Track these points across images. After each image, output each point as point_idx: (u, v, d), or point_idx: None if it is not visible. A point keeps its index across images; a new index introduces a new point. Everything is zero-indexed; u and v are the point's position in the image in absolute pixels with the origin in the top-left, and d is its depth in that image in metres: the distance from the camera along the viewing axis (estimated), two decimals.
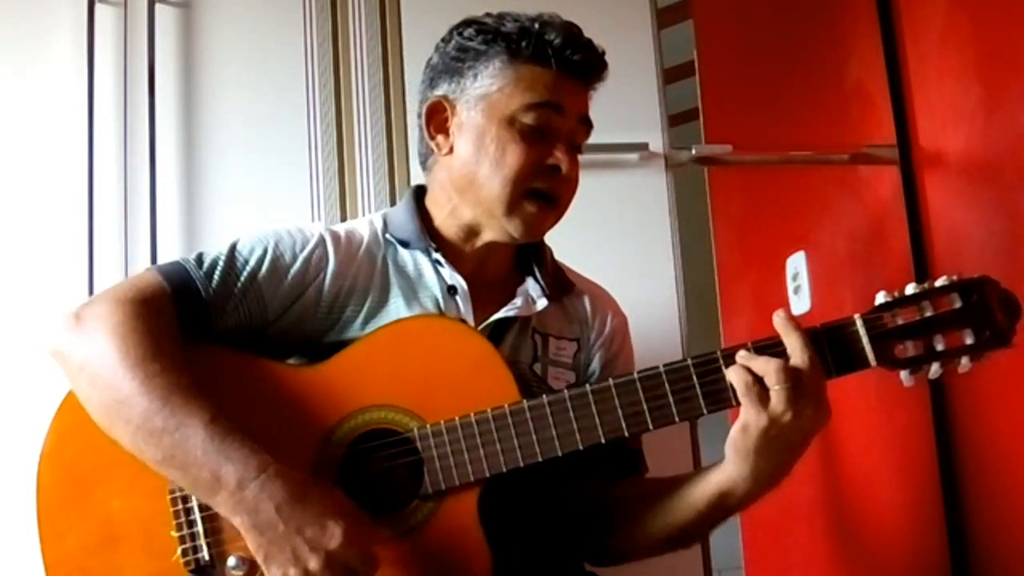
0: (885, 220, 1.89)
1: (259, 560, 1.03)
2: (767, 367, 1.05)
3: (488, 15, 1.28)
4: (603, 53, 1.29)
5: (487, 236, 1.28)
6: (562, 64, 1.24)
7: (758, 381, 1.05)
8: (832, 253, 2.03)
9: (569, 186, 1.27)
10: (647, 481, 1.32)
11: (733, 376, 1.06)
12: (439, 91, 1.29)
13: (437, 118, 1.29)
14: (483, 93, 1.24)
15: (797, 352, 1.06)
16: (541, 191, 1.24)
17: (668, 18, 2.18)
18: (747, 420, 1.06)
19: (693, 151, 1.86)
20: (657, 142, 1.80)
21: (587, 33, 1.27)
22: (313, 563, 1.01)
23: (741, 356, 1.08)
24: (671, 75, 2.06)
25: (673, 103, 1.91)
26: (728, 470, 1.10)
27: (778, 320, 1.08)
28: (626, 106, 1.79)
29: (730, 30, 2.45)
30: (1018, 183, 1.59)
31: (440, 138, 1.29)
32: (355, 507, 1.06)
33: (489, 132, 1.23)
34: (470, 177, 1.25)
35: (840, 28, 2.02)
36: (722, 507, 1.14)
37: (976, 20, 1.69)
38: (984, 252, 1.65)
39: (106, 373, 1.08)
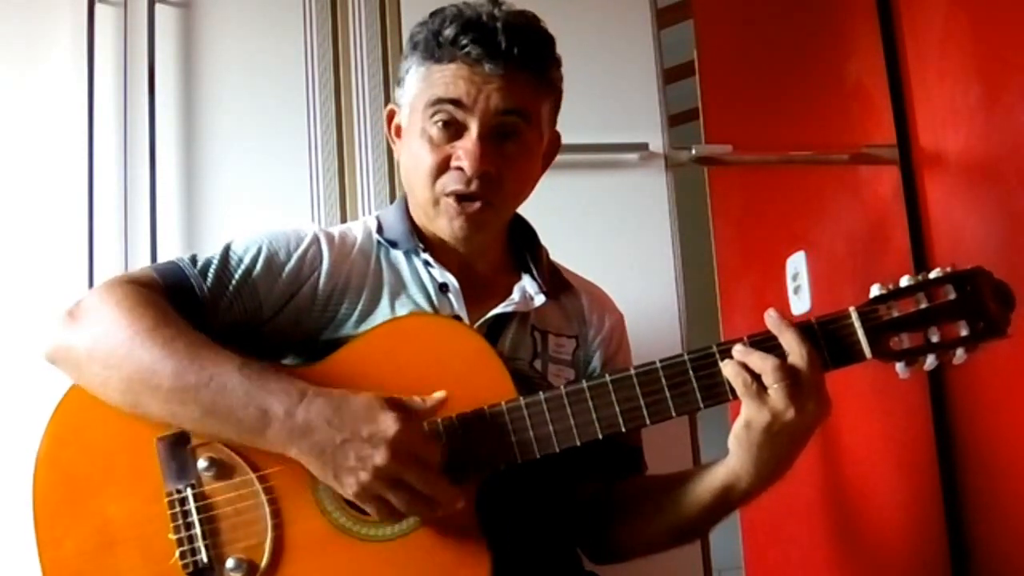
0: (885, 220, 1.89)
1: (330, 481, 1.03)
2: (764, 365, 1.05)
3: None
4: (526, 31, 1.21)
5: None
6: (459, 55, 1.20)
7: (756, 378, 1.05)
8: (832, 253, 2.02)
9: (488, 182, 1.21)
10: (648, 478, 1.32)
11: (730, 373, 1.06)
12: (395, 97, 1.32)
13: (394, 123, 1.32)
14: (407, 99, 1.27)
15: (794, 349, 1.05)
16: (454, 192, 1.22)
17: (668, 18, 2.18)
18: (749, 416, 1.06)
19: (693, 151, 1.85)
20: (657, 142, 1.80)
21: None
22: (379, 457, 1.01)
23: (737, 351, 1.07)
24: (671, 75, 2.06)
25: (673, 103, 1.91)
26: (732, 464, 1.10)
27: (770, 320, 1.08)
28: (626, 106, 1.80)
29: (730, 30, 2.45)
30: (1018, 183, 1.59)
31: (398, 142, 1.32)
32: (394, 398, 1.06)
33: (410, 137, 1.26)
34: (408, 181, 1.29)
35: (840, 28, 2.02)
36: (726, 501, 1.14)
37: (976, 20, 1.68)
38: (984, 252, 1.64)
39: (122, 348, 1.08)
